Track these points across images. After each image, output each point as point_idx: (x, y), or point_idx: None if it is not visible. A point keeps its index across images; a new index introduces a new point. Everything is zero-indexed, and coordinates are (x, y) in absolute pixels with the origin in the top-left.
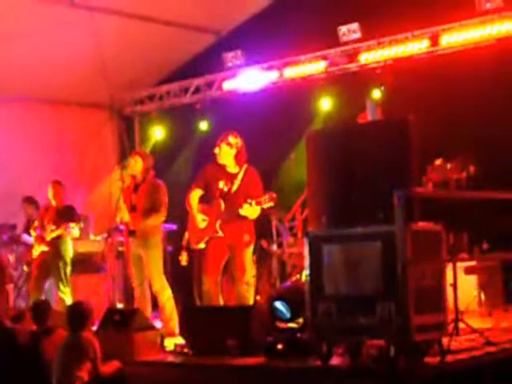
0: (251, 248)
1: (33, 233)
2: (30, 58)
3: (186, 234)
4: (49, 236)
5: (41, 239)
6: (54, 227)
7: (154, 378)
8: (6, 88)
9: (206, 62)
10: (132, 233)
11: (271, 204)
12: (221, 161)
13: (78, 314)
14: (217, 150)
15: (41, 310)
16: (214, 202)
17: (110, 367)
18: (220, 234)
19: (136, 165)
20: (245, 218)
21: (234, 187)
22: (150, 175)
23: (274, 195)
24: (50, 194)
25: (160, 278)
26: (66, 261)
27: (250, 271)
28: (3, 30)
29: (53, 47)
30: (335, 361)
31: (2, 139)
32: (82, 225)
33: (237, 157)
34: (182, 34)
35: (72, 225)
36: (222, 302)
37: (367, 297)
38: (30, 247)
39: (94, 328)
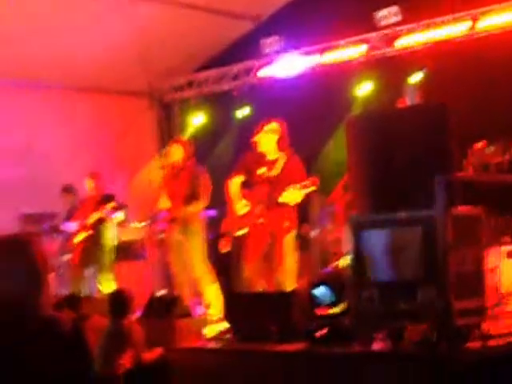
0: (292, 234)
1: (74, 223)
2: (70, 47)
3: (226, 221)
4: (91, 219)
5: (83, 227)
6: (95, 215)
7: (196, 364)
8: (47, 77)
9: (245, 48)
10: (173, 220)
11: (313, 188)
12: (261, 148)
13: (119, 302)
14: (257, 138)
15: (73, 301)
16: (255, 188)
17: (153, 354)
18: (260, 220)
19: (176, 152)
20: (286, 203)
21: (276, 173)
22: (190, 162)
23: (317, 180)
24: (89, 187)
25: (201, 264)
26: (107, 247)
27: (290, 258)
28: (44, 20)
29: (92, 35)
30: (377, 346)
31: (43, 128)
32: (125, 210)
33: (278, 143)
34: (221, 20)
35: (112, 204)
36: (263, 289)
37: (408, 282)
38: (70, 236)
39: (136, 315)
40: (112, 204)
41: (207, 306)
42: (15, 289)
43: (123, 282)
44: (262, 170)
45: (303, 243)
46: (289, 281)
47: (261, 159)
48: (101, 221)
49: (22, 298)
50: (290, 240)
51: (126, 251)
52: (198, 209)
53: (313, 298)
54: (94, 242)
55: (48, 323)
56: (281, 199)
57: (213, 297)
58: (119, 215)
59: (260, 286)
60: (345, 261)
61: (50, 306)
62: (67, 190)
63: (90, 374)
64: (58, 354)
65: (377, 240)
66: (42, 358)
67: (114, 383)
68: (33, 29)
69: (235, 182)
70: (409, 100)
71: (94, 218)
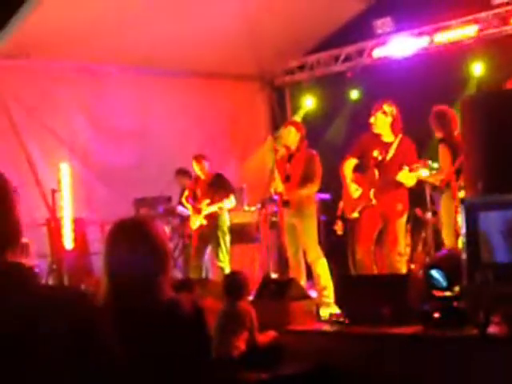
0: (404, 218)
1: (185, 203)
2: (182, 32)
3: (341, 204)
4: (205, 210)
5: (197, 210)
6: (208, 201)
7: (309, 347)
8: (159, 62)
9: (356, 30)
10: (286, 203)
11: (425, 170)
12: (376, 130)
13: (235, 284)
14: (372, 119)
15: (187, 284)
16: (369, 170)
17: (267, 337)
18: (374, 202)
19: (289, 135)
20: (399, 186)
21: (389, 156)
22: (303, 145)
23: (428, 162)
24: (197, 169)
25: (315, 247)
26: (224, 231)
27: (403, 241)
28: (155, 4)
29: (203, 20)
30: (492, 329)
31: (156, 113)
32: (235, 194)
33: (392, 125)
34: (332, 1)
35: (227, 201)
36: (375, 271)
37: None
38: (185, 219)
39: (250, 298)
40: (227, 200)
41: (322, 289)
42: (143, 268)
43: (237, 265)
44: (376, 153)
45: (417, 226)
46: (401, 264)
47: (375, 141)
48: (214, 212)
49: (149, 277)
50: (402, 223)
51: (239, 234)
52: (312, 191)
53: (429, 280)
54: (210, 227)
55: (171, 305)
56: (398, 177)
57: (327, 279)
58: (231, 204)
59: (374, 269)
60: (459, 243)
61: (171, 287)
62: (182, 172)
63: (210, 355)
64: (182, 336)
65: (492, 222)
66: (167, 339)
67: (229, 365)
68: (146, 15)
69: (349, 165)
70: None
71: (208, 210)
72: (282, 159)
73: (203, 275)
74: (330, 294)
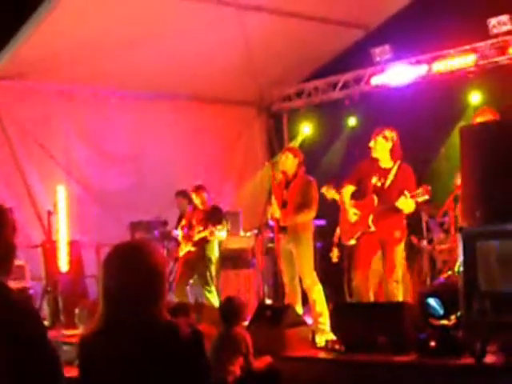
0: (402, 245)
1: (180, 232)
2: (179, 56)
3: (338, 230)
4: (196, 237)
5: (188, 238)
6: (201, 228)
7: (305, 373)
8: (155, 86)
9: (354, 58)
10: (283, 229)
11: (426, 197)
12: (375, 154)
13: (231, 309)
14: (372, 143)
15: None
16: (367, 197)
17: (262, 362)
18: (372, 228)
19: (287, 161)
20: (397, 213)
21: (388, 182)
22: (301, 171)
23: (429, 188)
24: (197, 201)
25: (311, 273)
26: (211, 261)
27: (400, 268)
28: (152, 29)
29: (201, 45)
30: (489, 359)
31: (152, 138)
32: (228, 226)
33: (392, 151)
34: (330, 29)
35: (219, 227)
36: (371, 298)
37: None
38: (179, 243)
39: (246, 323)
40: (219, 227)
41: (318, 315)
42: (140, 292)
43: (232, 290)
44: (374, 180)
45: (412, 253)
46: (397, 291)
47: (374, 167)
48: (205, 239)
49: (146, 301)
50: (400, 250)
51: (235, 259)
52: (309, 218)
53: (425, 308)
54: (197, 256)
55: (169, 329)
56: (397, 203)
57: (323, 306)
58: (222, 234)
59: (370, 295)
60: (456, 271)
61: (167, 311)
62: (181, 194)
63: (209, 380)
64: (180, 360)
65: (490, 251)
66: (166, 364)
67: None
68: (146, 40)
69: (347, 191)
70: None
71: (199, 236)
72: (279, 185)
73: (187, 301)
74: (325, 320)
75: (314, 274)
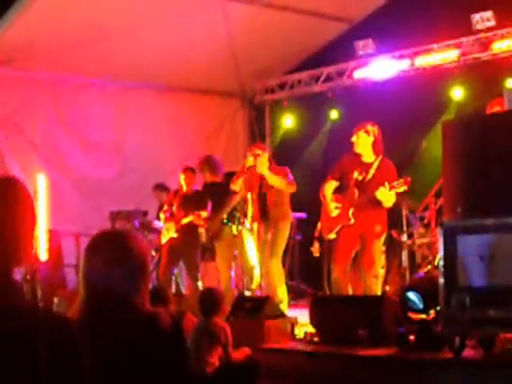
0: (382, 239)
1: (162, 215)
2: (164, 47)
3: (319, 225)
4: (180, 222)
5: (170, 222)
6: (183, 213)
7: (283, 365)
8: (137, 77)
9: (337, 51)
10: (263, 218)
11: (405, 188)
12: (358, 149)
13: (210, 300)
14: (354, 138)
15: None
16: (348, 190)
17: (241, 354)
18: (352, 221)
19: (250, 159)
20: (378, 207)
21: (369, 176)
22: (271, 166)
23: (409, 179)
24: (182, 180)
25: (278, 263)
26: (197, 247)
27: (379, 264)
28: (136, 18)
29: (184, 35)
30: (467, 353)
31: (133, 128)
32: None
33: (374, 145)
34: (314, 22)
35: (203, 213)
36: (350, 292)
37: (502, 289)
38: (161, 233)
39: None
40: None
41: (274, 288)
42: (121, 282)
43: (211, 282)
44: (356, 174)
45: (393, 247)
46: (376, 286)
47: (356, 161)
48: (190, 224)
49: (127, 291)
50: (379, 245)
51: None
52: (283, 185)
53: (405, 302)
54: (183, 242)
55: (150, 319)
56: (377, 194)
57: (284, 296)
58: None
59: (349, 289)
60: (436, 266)
61: (148, 300)
62: (159, 188)
63: (189, 370)
64: (160, 349)
65: (470, 245)
66: (146, 353)
67: (203, 381)
68: (129, 31)
69: (330, 186)
70: (507, 104)
71: (184, 221)
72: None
73: (173, 291)
74: (285, 309)
75: (279, 261)
